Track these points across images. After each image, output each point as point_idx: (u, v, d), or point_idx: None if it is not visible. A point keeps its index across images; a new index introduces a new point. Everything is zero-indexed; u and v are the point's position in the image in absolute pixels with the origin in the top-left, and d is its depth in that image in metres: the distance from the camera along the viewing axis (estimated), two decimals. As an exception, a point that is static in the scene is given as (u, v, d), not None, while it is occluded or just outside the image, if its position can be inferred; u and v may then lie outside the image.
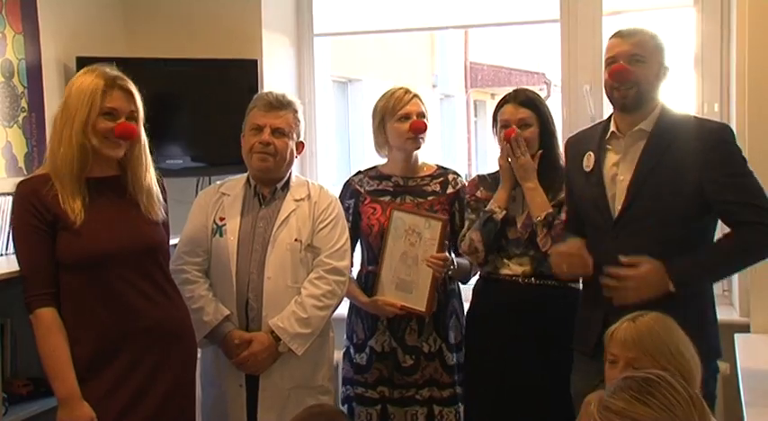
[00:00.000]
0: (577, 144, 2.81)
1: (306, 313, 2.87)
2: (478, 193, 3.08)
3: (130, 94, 2.54)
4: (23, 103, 3.40)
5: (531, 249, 2.94)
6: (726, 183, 2.49)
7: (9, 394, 2.83)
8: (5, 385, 2.81)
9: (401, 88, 3.20)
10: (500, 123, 2.99)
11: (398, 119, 3.13)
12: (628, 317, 2.19)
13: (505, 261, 3.00)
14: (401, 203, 3.15)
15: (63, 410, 2.46)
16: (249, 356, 2.85)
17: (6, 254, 3.00)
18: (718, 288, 3.15)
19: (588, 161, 2.68)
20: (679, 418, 1.62)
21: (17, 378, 2.93)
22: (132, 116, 2.53)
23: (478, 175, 3.18)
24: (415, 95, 3.18)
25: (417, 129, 3.12)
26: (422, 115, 3.14)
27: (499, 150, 3.01)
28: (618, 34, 2.64)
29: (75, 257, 2.48)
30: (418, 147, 3.17)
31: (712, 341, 2.60)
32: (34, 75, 3.45)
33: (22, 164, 3.36)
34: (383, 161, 3.29)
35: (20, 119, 3.38)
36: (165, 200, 2.71)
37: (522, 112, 2.94)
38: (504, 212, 2.93)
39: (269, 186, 2.99)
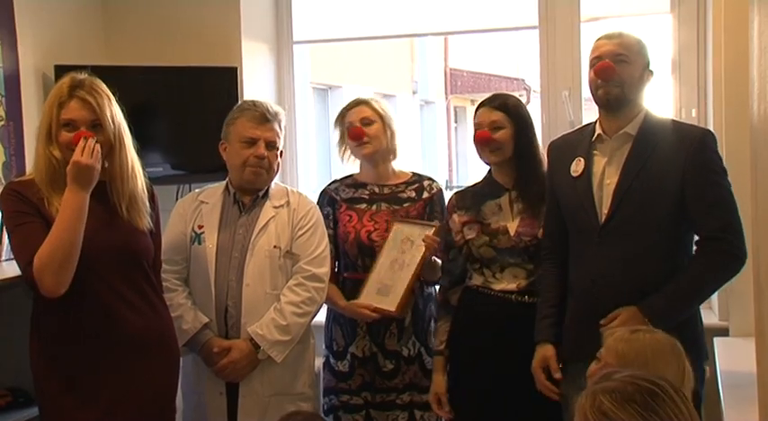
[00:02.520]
0: (562, 148, 2.79)
1: (285, 320, 2.87)
2: (456, 218, 3.00)
3: (89, 103, 2.49)
4: (1, 112, 3.38)
5: (529, 262, 2.88)
6: (703, 190, 2.51)
7: None
8: None
9: (353, 99, 3.27)
10: (474, 126, 2.97)
11: (345, 127, 3.20)
12: (630, 328, 2.18)
13: (497, 276, 2.92)
14: (377, 211, 3.16)
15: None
16: (228, 364, 2.86)
17: None
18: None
19: (577, 166, 2.67)
20: None
21: None
22: (96, 124, 2.49)
23: (456, 194, 3.09)
24: (363, 102, 3.22)
25: (354, 136, 3.15)
26: (367, 121, 3.16)
27: (479, 156, 2.98)
28: (604, 36, 2.66)
29: None
30: (369, 154, 3.18)
31: (701, 343, 2.62)
32: (12, 83, 3.44)
33: (0, 174, 3.34)
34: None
35: (-2, 127, 3.38)
36: (155, 209, 2.70)
37: (495, 115, 2.88)
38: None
39: (251, 195, 3.00)
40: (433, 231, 3.03)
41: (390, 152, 3.21)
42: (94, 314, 2.52)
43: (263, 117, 2.95)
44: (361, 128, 3.14)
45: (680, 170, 2.53)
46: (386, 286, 3.07)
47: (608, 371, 1.73)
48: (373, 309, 3.04)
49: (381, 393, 3.12)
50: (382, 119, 3.17)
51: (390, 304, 3.02)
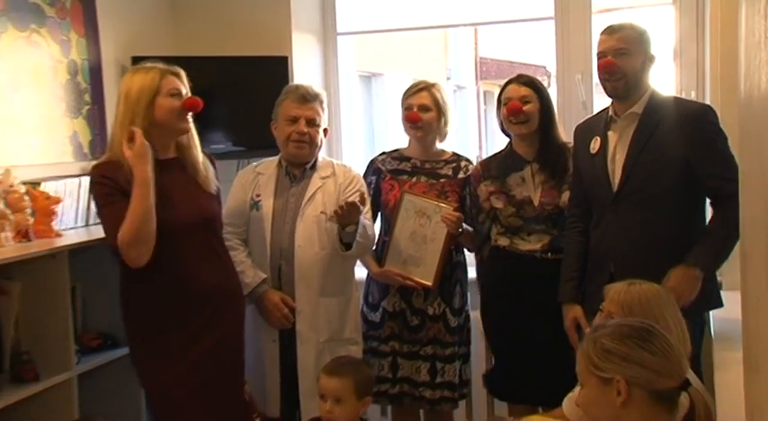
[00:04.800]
0: (584, 131, 2.82)
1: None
2: (483, 187, 3.00)
3: (181, 78, 2.61)
4: (87, 98, 3.44)
5: (552, 227, 2.89)
6: (712, 158, 2.51)
7: (81, 346, 2.87)
8: (78, 339, 2.85)
9: (415, 82, 3.20)
10: (503, 101, 2.94)
11: (404, 108, 3.17)
12: (627, 281, 2.19)
13: (525, 237, 2.93)
14: (416, 182, 3.15)
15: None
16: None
17: (76, 227, 3.04)
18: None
19: (595, 145, 2.70)
20: (673, 363, 1.67)
21: (88, 332, 2.99)
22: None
23: (480, 163, 3.11)
24: (425, 87, 3.15)
25: (410, 120, 3.13)
26: (424, 108, 3.12)
27: (500, 125, 3.00)
28: (606, 30, 2.66)
29: None
30: (419, 136, 3.16)
31: (714, 289, 2.66)
32: (95, 73, 3.48)
33: (87, 150, 3.39)
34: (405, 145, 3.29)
35: (84, 111, 3.42)
36: (216, 175, 2.76)
37: (523, 90, 2.90)
38: None
39: (299, 167, 3.04)
40: (452, 209, 3.02)
41: (439, 135, 3.20)
42: (178, 272, 2.58)
43: (303, 98, 2.98)
44: (418, 114, 3.11)
45: (683, 143, 2.53)
46: (413, 257, 3.08)
47: (599, 323, 1.76)
48: (411, 280, 3.06)
49: (407, 344, 3.14)
50: (438, 108, 3.13)
51: (426, 278, 3.05)
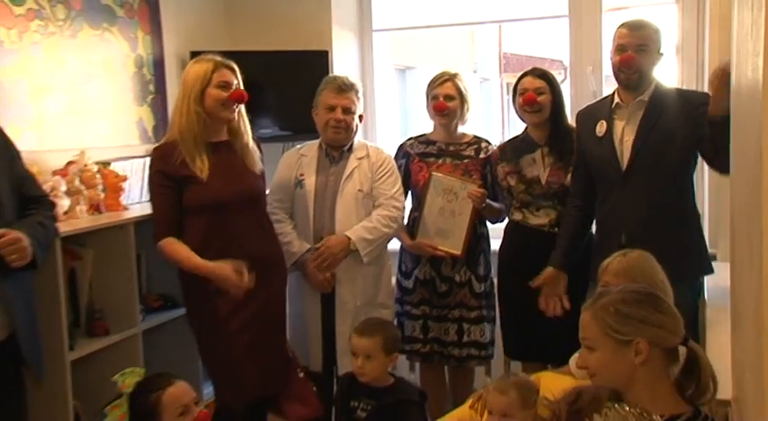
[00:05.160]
0: (587, 116, 2.80)
1: (372, 224, 2.93)
2: (500, 168, 3.03)
3: (234, 71, 2.62)
4: (151, 88, 3.48)
5: (558, 203, 2.90)
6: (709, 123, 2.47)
7: (145, 306, 2.93)
8: (142, 299, 2.91)
9: (441, 72, 3.17)
10: (519, 92, 2.94)
11: (430, 98, 3.15)
12: (619, 253, 2.21)
13: (534, 213, 2.95)
14: (442, 163, 3.14)
15: (210, 276, 2.54)
16: (326, 249, 2.90)
17: (141, 201, 3.09)
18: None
19: (601, 128, 2.68)
20: (678, 321, 1.67)
21: (151, 294, 3.04)
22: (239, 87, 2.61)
23: (500, 146, 3.13)
24: (449, 78, 3.12)
25: (437, 109, 3.11)
26: (449, 97, 3.09)
27: (517, 112, 3.00)
28: (628, 26, 2.62)
29: (201, 203, 2.57)
30: (445, 123, 3.14)
31: (706, 256, 2.66)
32: (158, 66, 3.53)
33: (150, 134, 3.45)
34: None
35: (148, 99, 3.46)
36: (262, 158, 2.78)
37: (538, 82, 2.90)
38: None
39: (337, 150, 3.05)
40: (477, 186, 3.02)
41: (461, 120, 3.18)
42: (234, 240, 2.61)
43: (340, 88, 2.97)
44: (444, 102, 3.10)
45: (686, 122, 2.52)
46: (442, 230, 3.08)
47: (601, 291, 1.75)
48: (441, 251, 3.06)
49: (437, 308, 3.14)
50: (461, 96, 3.11)
51: (455, 248, 3.06)
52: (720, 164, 2.40)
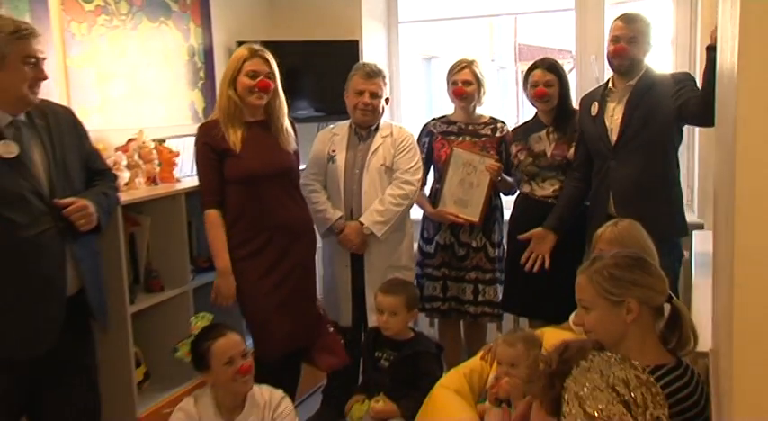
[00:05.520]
0: (586, 100, 2.83)
1: (383, 207, 2.93)
2: (513, 147, 3.05)
3: (267, 60, 2.61)
4: (201, 74, 3.50)
5: (562, 175, 2.91)
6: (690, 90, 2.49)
7: (195, 267, 2.97)
8: (193, 261, 2.95)
9: (459, 60, 3.16)
10: (531, 84, 2.95)
11: (450, 83, 3.15)
12: (611, 223, 2.22)
13: (540, 184, 2.96)
14: (462, 141, 3.15)
15: (219, 278, 2.63)
16: (343, 237, 2.96)
17: (192, 175, 3.10)
18: (685, 197, 3.06)
19: (594, 109, 2.71)
20: (663, 283, 1.67)
21: (200, 256, 3.07)
22: (269, 76, 2.61)
23: (513, 129, 3.13)
24: (466, 65, 3.11)
25: (457, 94, 3.11)
26: (467, 82, 3.09)
27: (529, 101, 3.01)
28: (623, 18, 2.62)
29: (236, 175, 2.60)
30: (464, 105, 3.14)
31: (683, 221, 2.66)
32: (208, 54, 3.54)
33: (201, 115, 3.47)
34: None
35: (199, 85, 3.49)
36: (296, 139, 2.78)
37: (548, 75, 2.91)
38: None
39: (365, 129, 3.06)
40: (494, 160, 3.03)
41: (478, 103, 3.18)
42: (266, 209, 2.63)
43: (368, 75, 2.97)
44: (462, 87, 3.10)
45: (670, 99, 2.52)
46: (462, 200, 3.09)
47: (595, 256, 1.75)
48: (460, 218, 3.07)
49: (455, 270, 3.17)
50: (478, 81, 3.11)
51: (473, 216, 3.07)
52: (709, 118, 2.36)
